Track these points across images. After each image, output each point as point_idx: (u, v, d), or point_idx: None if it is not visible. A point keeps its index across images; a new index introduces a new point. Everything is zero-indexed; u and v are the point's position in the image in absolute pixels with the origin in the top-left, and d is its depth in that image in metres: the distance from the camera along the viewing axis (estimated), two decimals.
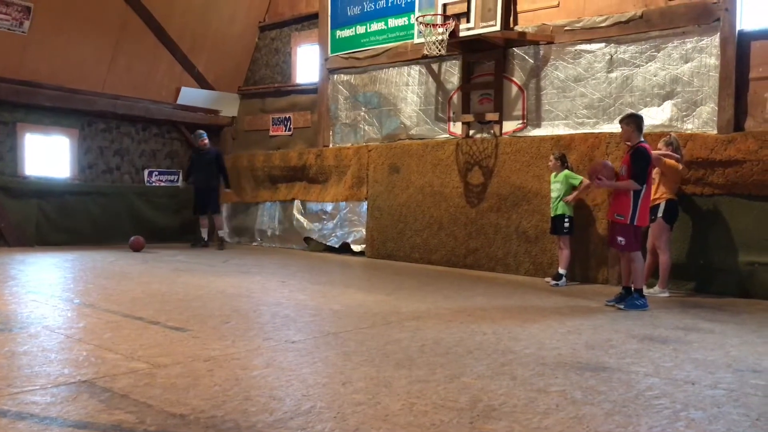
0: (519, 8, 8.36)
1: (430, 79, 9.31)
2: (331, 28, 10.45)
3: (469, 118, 8.77)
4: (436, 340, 4.18)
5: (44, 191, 10.00)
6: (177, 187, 11.75)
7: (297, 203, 10.95)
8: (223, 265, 8.31)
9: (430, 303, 5.70)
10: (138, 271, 7.38)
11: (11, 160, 9.87)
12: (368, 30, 9.98)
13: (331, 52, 10.45)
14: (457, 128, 9.00)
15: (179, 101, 11.58)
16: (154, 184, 11.58)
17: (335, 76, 10.46)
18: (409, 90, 9.54)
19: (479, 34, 8.28)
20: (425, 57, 8.97)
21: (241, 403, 2.80)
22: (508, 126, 8.50)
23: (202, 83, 11.83)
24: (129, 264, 8.00)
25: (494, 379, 3.30)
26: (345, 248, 10.15)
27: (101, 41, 10.33)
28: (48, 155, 10.36)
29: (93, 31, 10.13)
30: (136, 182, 11.36)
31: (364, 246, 9.86)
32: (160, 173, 11.70)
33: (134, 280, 6.57)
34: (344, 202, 10.14)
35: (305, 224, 10.74)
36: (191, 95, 11.69)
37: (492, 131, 8.60)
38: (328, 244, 10.36)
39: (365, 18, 10.02)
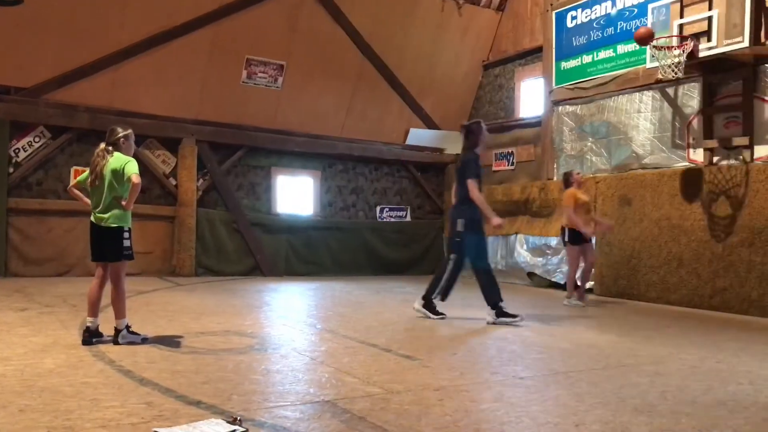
0: None
1: (665, 104, 8.68)
2: (556, 60, 10.31)
3: (713, 143, 7.98)
4: (680, 387, 3.80)
5: (292, 227, 11.20)
6: (406, 222, 12.36)
7: (520, 237, 10.83)
8: (448, 297, 8.47)
9: (671, 346, 5.22)
10: (371, 301, 7.86)
11: (267, 200, 11.23)
12: (595, 59, 9.66)
13: (556, 84, 10.28)
14: (698, 155, 8.24)
15: (408, 142, 12.24)
16: (385, 219, 12.31)
17: (560, 107, 10.25)
18: (641, 117, 8.99)
19: (723, 53, 7.54)
20: (659, 81, 8.39)
21: None
22: (761, 151, 7.56)
23: (429, 124, 12.39)
24: (363, 294, 8.55)
25: None
26: (555, 283, 9.75)
27: (341, 91, 11.38)
28: (295, 195, 11.59)
29: (334, 82, 11.22)
30: (369, 218, 12.18)
31: (592, 283, 9.38)
32: (390, 209, 12.41)
33: (368, 309, 7.00)
34: None
35: (528, 259, 10.56)
36: (419, 135, 12.29)
37: (741, 157, 7.72)
38: (552, 280, 10.05)
39: (592, 47, 9.72)
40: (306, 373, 3.97)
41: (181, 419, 2.89)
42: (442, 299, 6.44)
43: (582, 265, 7.98)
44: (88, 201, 4.80)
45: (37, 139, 9.44)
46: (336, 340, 5.09)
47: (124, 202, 4.63)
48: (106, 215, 4.63)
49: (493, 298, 6.24)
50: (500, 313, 6.18)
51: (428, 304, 6.44)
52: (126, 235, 4.68)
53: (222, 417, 2.92)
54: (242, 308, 6.83)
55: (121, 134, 4.75)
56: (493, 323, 6.14)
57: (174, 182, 10.38)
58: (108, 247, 4.65)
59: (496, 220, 6.30)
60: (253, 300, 7.60)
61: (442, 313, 6.42)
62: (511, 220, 11.11)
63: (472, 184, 6.23)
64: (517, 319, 6.18)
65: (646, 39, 7.79)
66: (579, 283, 8.03)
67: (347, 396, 3.39)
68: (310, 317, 6.41)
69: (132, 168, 4.59)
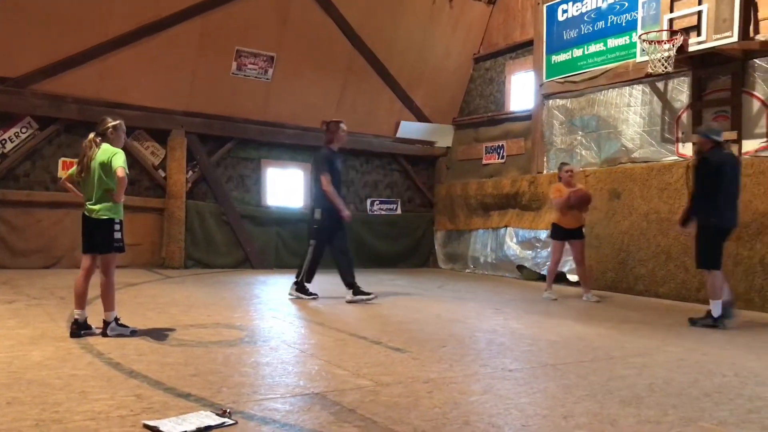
0: (761, 15, 7.51)
1: (655, 98, 8.72)
2: (546, 54, 10.32)
3: None
4: (667, 379, 3.84)
5: (282, 220, 11.18)
6: (396, 215, 12.38)
7: (509, 231, 10.87)
8: (438, 290, 8.53)
9: (658, 339, 5.27)
10: None
11: (256, 193, 11.20)
12: (585, 52, 9.68)
13: (546, 78, 10.30)
14: (686, 149, 8.29)
15: (398, 134, 12.23)
16: (375, 212, 12.31)
17: (550, 101, 10.27)
18: (630, 111, 9.03)
19: (713, 48, 7.58)
20: (649, 75, 8.43)
21: (460, 427, 2.83)
22: (749, 145, 7.62)
23: (420, 116, 12.37)
24: None
25: (740, 426, 2.94)
26: (560, 278, 9.79)
27: (331, 83, 11.33)
28: (285, 187, 11.56)
29: (324, 74, 11.17)
30: (360, 211, 12.16)
31: (575, 278, 9.43)
32: (381, 202, 12.41)
33: (357, 302, 7.00)
34: None
35: (518, 252, 10.61)
36: (409, 128, 12.28)
37: (729, 151, 7.77)
38: (542, 273, 10.09)
39: (582, 40, 9.74)
40: (296, 365, 3.98)
41: (171, 412, 2.89)
42: (308, 280, 7.15)
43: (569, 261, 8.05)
44: (81, 194, 4.77)
45: (24, 130, 9.35)
46: (326, 333, 5.10)
47: (114, 194, 4.61)
48: (96, 207, 4.60)
49: (348, 279, 7.01)
50: (356, 291, 6.94)
51: (300, 288, 7.10)
52: (117, 227, 4.66)
53: (211, 409, 2.92)
54: (232, 301, 6.82)
55: (110, 125, 4.71)
56: (352, 301, 6.86)
57: (163, 174, 10.32)
58: (99, 238, 4.63)
59: (346, 213, 7.01)
60: (242, 292, 7.59)
61: (313, 293, 7.11)
62: (501, 213, 11.15)
63: (323, 179, 6.89)
64: (371, 296, 6.96)
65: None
66: (579, 281, 8.08)
67: (337, 388, 3.40)
68: (299, 310, 6.41)
69: (118, 161, 4.55)
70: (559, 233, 7.94)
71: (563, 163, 8.36)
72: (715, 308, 5.92)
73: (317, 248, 7.10)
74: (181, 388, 3.29)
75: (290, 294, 7.15)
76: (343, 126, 7.17)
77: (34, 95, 9.21)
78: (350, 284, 7.00)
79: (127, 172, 4.61)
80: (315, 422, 2.85)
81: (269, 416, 2.91)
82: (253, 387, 3.42)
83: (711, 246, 5.97)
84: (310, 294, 7.12)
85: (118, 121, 4.78)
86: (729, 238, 6.22)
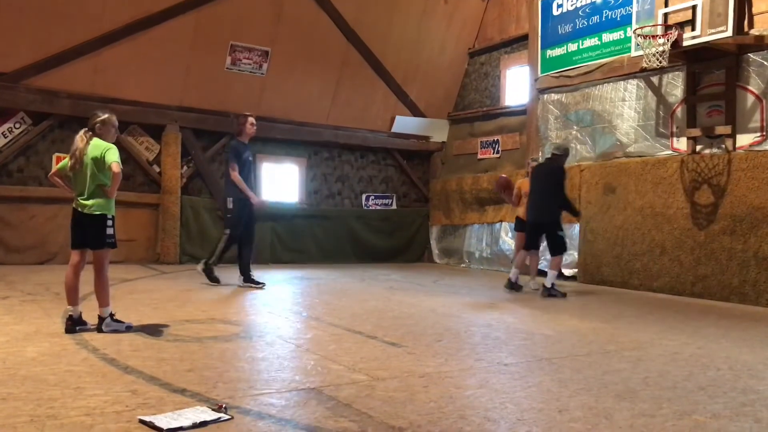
0: (755, 10, 7.53)
1: (650, 92, 8.73)
2: (542, 48, 10.32)
3: (696, 132, 8.05)
4: (661, 372, 3.86)
5: (277, 215, 11.15)
6: (391, 210, 12.39)
7: (505, 225, 10.89)
8: (433, 285, 8.54)
9: (653, 333, 5.29)
10: (356, 288, 7.87)
11: (251, 187, 11.12)
12: (580, 47, 9.68)
13: (541, 72, 10.30)
14: (681, 144, 8.31)
15: (393, 129, 12.22)
16: (370, 207, 12.31)
17: (545, 95, 10.27)
18: (625, 105, 9.04)
19: (707, 42, 7.59)
20: (644, 70, 8.44)
21: (456, 421, 2.84)
22: (743, 140, 7.64)
23: (415, 111, 12.36)
24: (348, 282, 8.56)
25: (733, 420, 2.96)
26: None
27: (325, 78, 11.31)
28: (280, 182, 11.54)
29: (319, 69, 11.14)
30: (355, 206, 12.17)
31: (576, 270, 9.46)
32: (376, 197, 12.40)
33: (353, 297, 7.01)
34: None
35: (513, 246, 10.61)
36: (404, 123, 12.28)
37: (723, 146, 7.80)
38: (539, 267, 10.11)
39: (577, 35, 9.74)
40: (291, 360, 3.98)
41: (166, 407, 2.89)
42: (216, 263, 7.58)
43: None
44: (70, 188, 4.73)
45: (17, 125, 9.30)
46: (321, 328, 5.10)
47: (107, 190, 4.59)
48: (89, 202, 4.57)
49: (245, 270, 7.51)
50: (248, 279, 7.46)
51: (209, 272, 7.54)
52: (110, 222, 4.64)
53: (207, 405, 2.92)
54: (227, 296, 6.81)
55: (98, 119, 4.67)
56: (241, 286, 7.40)
57: (158, 169, 10.29)
58: (91, 234, 4.60)
59: (255, 199, 7.45)
60: (237, 288, 7.57)
61: (217, 279, 7.54)
62: (496, 208, 11.17)
63: (230, 168, 7.36)
64: (261, 285, 7.44)
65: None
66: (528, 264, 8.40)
67: (333, 383, 3.40)
68: (295, 305, 6.41)
69: (112, 156, 4.53)
70: (518, 225, 8.65)
71: (532, 158, 8.83)
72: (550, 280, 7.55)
73: (231, 237, 7.45)
74: (176, 384, 3.29)
75: (200, 271, 7.61)
76: (251, 119, 7.53)
77: (27, 90, 9.15)
78: (246, 274, 7.52)
79: (122, 167, 4.59)
80: (311, 417, 2.85)
81: (265, 411, 2.91)
82: (249, 382, 3.42)
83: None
84: (215, 279, 7.54)
85: (106, 115, 4.73)
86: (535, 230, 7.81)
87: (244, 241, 7.53)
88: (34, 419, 2.68)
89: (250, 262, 7.63)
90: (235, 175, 7.29)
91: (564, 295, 7.54)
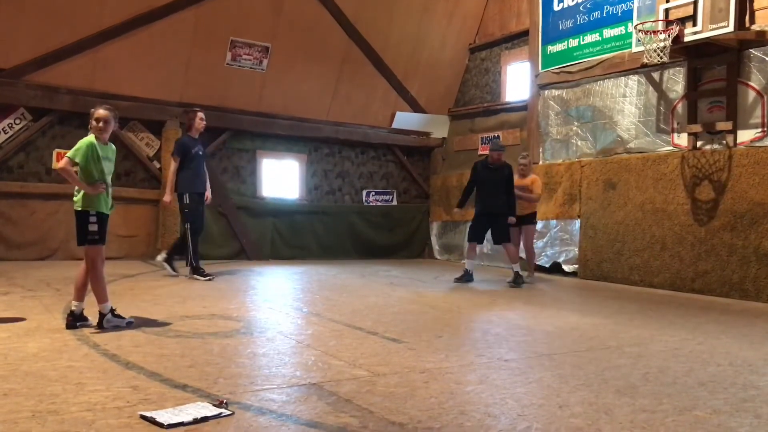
0: (756, 5, 7.51)
1: (651, 88, 8.72)
2: (542, 44, 10.30)
3: (697, 128, 8.04)
4: (662, 368, 3.87)
5: (278, 211, 11.16)
6: (392, 206, 12.38)
7: None
8: (434, 281, 8.54)
9: (653, 329, 5.29)
10: (357, 284, 7.87)
11: (251, 184, 11.16)
12: (581, 42, 9.66)
13: (542, 68, 10.28)
14: (682, 140, 8.30)
15: (394, 125, 12.21)
16: (371, 203, 12.30)
17: (546, 91, 10.26)
18: (626, 101, 9.03)
19: (708, 38, 7.58)
20: (645, 66, 8.43)
21: (456, 416, 2.84)
22: (744, 135, 7.63)
23: (415, 107, 12.35)
24: (349, 278, 8.56)
25: (734, 415, 2.96)
26: (556, 268, 9.83)
27: (326, 73, 11.29)
28: (280, 178, 11.53)
29: (319, 65, 11.13)
30: (355, 202, 12.16)
31: (576, 266, 9.47)
32: (376, 193, 12.40)
33: (354, 293, 7.01)
34: (555, 221, 9.86)
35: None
36: (405, 119, 12.26)
37: (724, 142, 7.80)
38: (537, 263, 10.12)
39: (578, 31, 9.72)
40: (292, 356, 3.98)
41: (167, 403, 2.89)
42: (179, 255, 7.94)
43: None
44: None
45: (17, 121, 9.29)
46: (322, 324, 5.11)
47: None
48: (75, 199, 4.61)
49: (193, 260, 7.76)
50: (195, 269, 7.72)
51: (169, 260, 7.93)
52: (92, 218, 4.57)
53: (208, 400, 2.92)
54: (227, 292, 6.81)
55: (91, 115, 4.68)
56: (189, 277, 7.67)
57: (158, 165, 10.28)
58: (76, 230, 4.62)
59: (167, 197, 7.76)
60: (238, 284, 7.58)
61: (177, 272, 7.86)
62: None
63: (171, 162, 7.72)
64: (210, 277, 7.70)
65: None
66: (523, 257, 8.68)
67: (333, 379, 3.41)
68: (295, 301, 6.41)
69: (70, 150, 4.53)
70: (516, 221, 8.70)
71: (524, 154, 8.98)
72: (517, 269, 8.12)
73: (195, 230, 7.75)
74: (177, 379, 3.29)
75: (160, 263, 8.01)
76: (200, 114, 7.79)
77: (27, 86, 9.13)
78: (190, 263, 7.80)
79: (77, 161, 4.49)
80: (312, 412, 2.85)
81: (266, 407, 2.91)
82: (250, 378, 3.43)
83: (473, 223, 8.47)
84: (175, 271, 7.86)
85: (91, 110, 4.68)
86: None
87: (194, 232, 7.79)
88: (35, 415, 2.69)
89: (181, 247, 7.96)
90: (171, 169, 7.66)
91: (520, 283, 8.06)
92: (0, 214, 9.08)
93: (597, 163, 9.26)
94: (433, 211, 12.67)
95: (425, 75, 12.22)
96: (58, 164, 4.50)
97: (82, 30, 9.26)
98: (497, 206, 8.15)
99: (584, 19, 9.67)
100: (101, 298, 4.62)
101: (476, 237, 8.47)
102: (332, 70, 11.33)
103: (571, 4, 9.88)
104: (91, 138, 4.60)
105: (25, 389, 3.04)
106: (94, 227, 4.59)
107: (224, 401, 2.88)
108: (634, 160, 8.74)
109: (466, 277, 8.35)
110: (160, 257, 8.06)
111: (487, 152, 11.72)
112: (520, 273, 8.18)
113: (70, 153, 4.52)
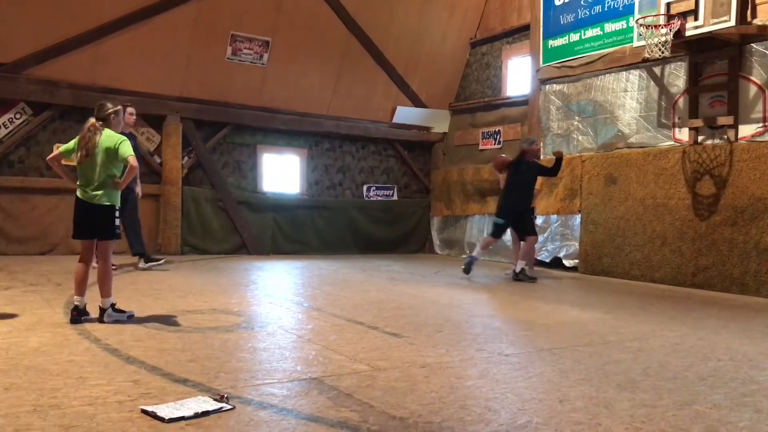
0: (758, 0, 7.48)
1: (652, 83, 8.70)
2: (543, 38, 10.27)
3: (698, 123, 8.03)
4: (662, 363, 3.87)
5: (278, 206, 11.16)
6: (393, 201, 12.38)
7: None
8: (434, 276, 8.55)
9: (654, 324, 5.30)
10: (358, 279, 7.88)
11: (252, 178, 11.16)
12: (582, 37, 9.64)
13: (543, 63, 10.26)
14: (683, 134, 8.29)
15: (394, 120, 12.19)
16: (371, 198, 12.30)
17: (547, 86, 10.24)
18: (627, 96, 9.01)
19: (710, 32, 7.56)
20: (646, 60, 8.41)
21: (457, 411, 2.85)
22: (745, 130, 7.62)
23: (416, 102, 12.33)
24: (350, 273, 8.57)
25: (734, 410, 2.96)
26: (556, 263, 9.84)
27: (327, 68, 11.27)
28: (281, 173, 11.53)
29: (320, 59, 11.11)
30: (356, 197, 12.16)
31: (577, 261, 9.47)
32: (377, 188, 12.39)
33: (355, 288, 7.02)
34: (555, 216, 9.86)
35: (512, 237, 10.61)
36: (406, 114, 12.24)
37: (725, 136, 7.78)
38: (538, 258, 10.11)
39: (579, 25, 9.69)
40: (293, 350, 3.99)
41: (168, 397, 2.90)
42: (143, 249, 8.14)
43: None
44: (67, 176, 4.78)
45: (18, 116, 9.28)
46: (323, 318, 5.11)
47: (118, 181, 4.64)
48: (99, 193, 4.59)
49: (139, 249, 8.02)
50: (147, 259, 8.03)
51: (147, 259, 8.10)
52: (117, 213, 4.70)
53: (209, 395, 2.93)
54: (228, 287, 6.82)
55: (111, 110, 4.72)
56: (145, 269, 7.91)
57: (159, 160, 10.28)
58: (99, 225, 4.64)
59: (137, 190, 7.89)
60: (239, 278, 7.59)
61: (160, 258, 8.33)
62: (498, 199, 11.13)
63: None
64: (161, 261, 8.19)
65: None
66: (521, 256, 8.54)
67: (334, 373, 3.41)
68: (296, 295, 6.42)
69: (126, 149, 4.59)
70: None
71: (533, 139, 8.99)
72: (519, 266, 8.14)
73: (128, 220, 7.82)
74: (178, 374, 3.30)
75: (142, 267, 8.01)
76: (130, 109, 7.51)
77: (27, 81, 9.12)
78: (141, 253, 8.05)
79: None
80: (312, 407, 2.86)
81: (267, 401, 2.92)
82: (251, 372, 3.43)
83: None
84: (157, 259, 8.25)
85: (118, 107, 4.84)
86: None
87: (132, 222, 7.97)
88: (37, 409, 2.70)
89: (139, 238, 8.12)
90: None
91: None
92: (1, 209, 9.09)
93: (598, 157, 9.25)
94: (434, 206, 12.66)
95: (426, 69, 12.19)
96: (134, 163, 4.58)
97: (83, 24, 9.24)
98: (527, 204, 8.35)
99: (585, 13, 9.64)
100: (107, 292, 4.63)
101: (501, 234, 8.63)
102: (333, 65, 11.31)
103: None
104: (121, 135, 4.70)
105: (27, 383, 3.05)
106: (118, 221, 4.71)
107: (225, 396, 2.88)
108: (635, 154, 8.72)
109: (469, 260, 8.53)
110: (141, 265, 8.06)
111: (487, 147, 11.80)
112: (527, 272, 8.16)
113: (130, 152, 4.59)
